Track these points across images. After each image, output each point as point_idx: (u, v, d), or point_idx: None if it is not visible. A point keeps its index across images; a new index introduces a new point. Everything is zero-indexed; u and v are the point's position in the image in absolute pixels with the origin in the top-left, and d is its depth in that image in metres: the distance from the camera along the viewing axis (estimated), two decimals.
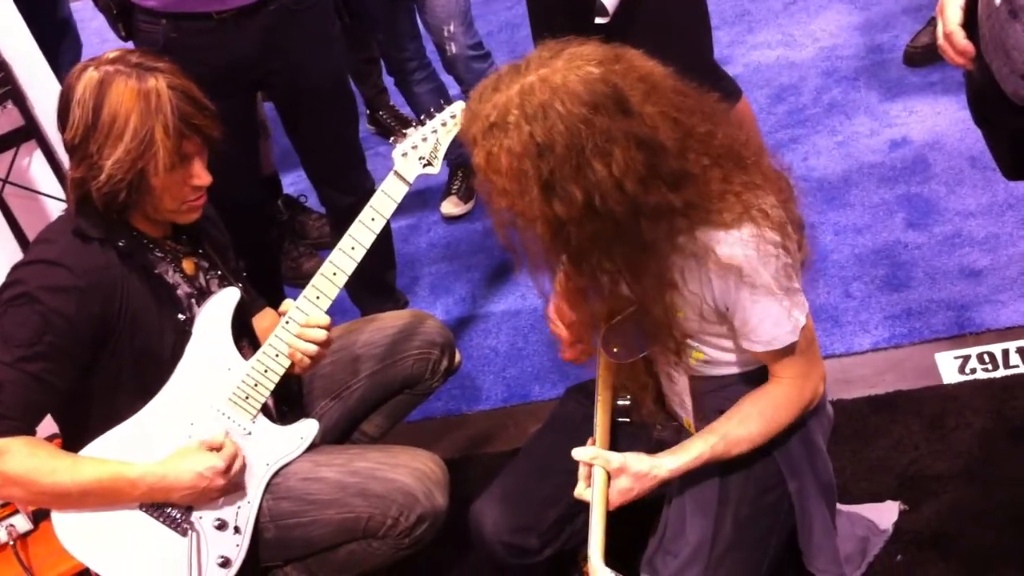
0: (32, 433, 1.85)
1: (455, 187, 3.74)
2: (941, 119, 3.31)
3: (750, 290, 1.62)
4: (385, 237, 2.99)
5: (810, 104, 3.60)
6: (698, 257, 1.60)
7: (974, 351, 2.56)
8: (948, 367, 2.56)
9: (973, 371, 2.52)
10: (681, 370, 1.82)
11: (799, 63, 3.84)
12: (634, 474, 1.72)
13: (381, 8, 3.37)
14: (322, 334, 2.01)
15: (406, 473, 2.01)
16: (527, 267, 1.65)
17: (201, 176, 1.95)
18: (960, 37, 1.66)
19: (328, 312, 2.05)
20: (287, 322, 2.01)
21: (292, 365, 2.02)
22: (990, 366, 2.51)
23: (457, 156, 3.73)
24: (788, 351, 1.69)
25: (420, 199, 3.78)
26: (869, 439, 2.43)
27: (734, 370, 1.79)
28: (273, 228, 3.36)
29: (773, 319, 1.65)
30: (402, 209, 2.82)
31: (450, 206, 3.72)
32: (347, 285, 2.06)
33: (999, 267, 2.76)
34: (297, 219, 3.67)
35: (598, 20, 2.36)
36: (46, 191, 2.48)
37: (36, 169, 2.47)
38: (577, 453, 1.77)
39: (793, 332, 1.67)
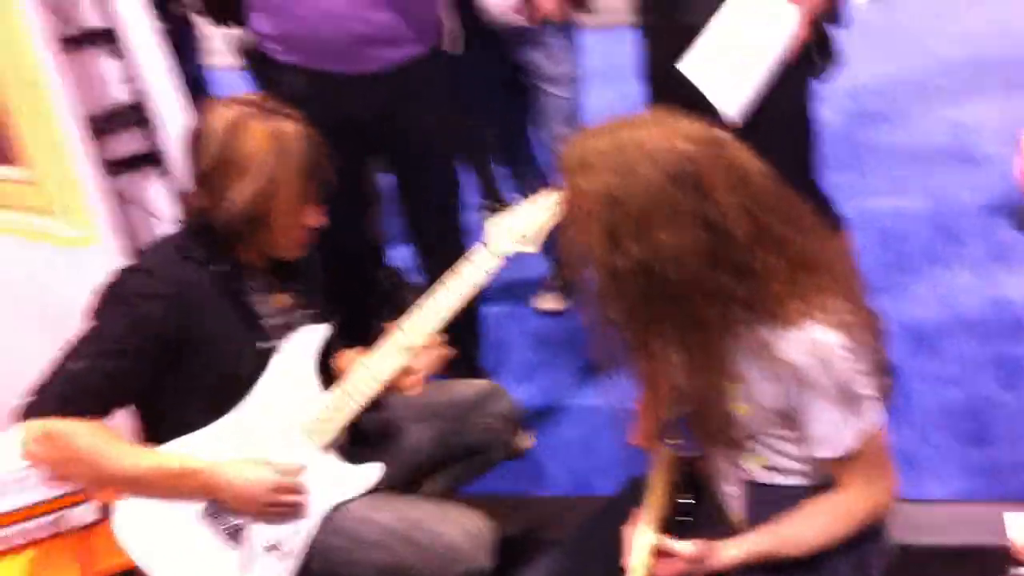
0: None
1: (554, 282, 3.82)
2: None
3: (809, 392, 1.63)
4: (473, 313, 3.07)
5: (915, 254, 3.61)
6: (757, 352, 1.64)
7: None
8: (1018, 528, 2.50)
9: None
10: (739, 473, 1.83)
11: (908, 213, 3.86)
12: (688, 556, 1.72)
13: (496, 100, 3.54)
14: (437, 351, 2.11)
15: (455, 529, 2.05)
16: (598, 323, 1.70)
17: (316, 217, 2.07)
18: None
19: None
20: (364, 366, 2.09)
21: (367, 405, 2.09)
22: None
23: None
24: (851, 458, 1.69)
25: (517, 289, 3.85)
26: None
27: (798, 481, 1.78)
28: (370, 295, 3.47)
29: (833, 423, 1.66)
30: (498, 296, 2.88)
31: (547, 301, 3.79)
32: None
33: None
34: (396, 291, 3.78)
35: None
36: (161, 214, 2.62)
37: (153, 193, 2.62)
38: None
39: (854, 438, 1.67)
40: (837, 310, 1.63)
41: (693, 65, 2.43)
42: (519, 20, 3.27)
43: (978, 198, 3.85)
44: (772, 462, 1.78)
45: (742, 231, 1.58)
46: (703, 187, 1.56)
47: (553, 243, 3.83)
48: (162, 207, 2.61)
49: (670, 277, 1.56)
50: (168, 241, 2.09)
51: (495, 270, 2.13)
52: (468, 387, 2.42)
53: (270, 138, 1.98)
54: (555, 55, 3.37)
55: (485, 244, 2.12)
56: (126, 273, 2.03)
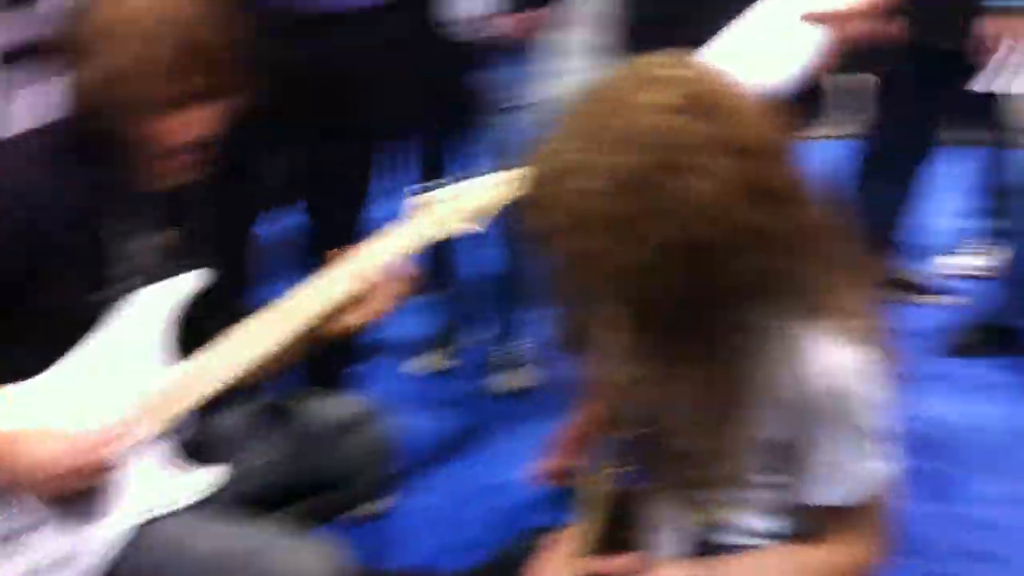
0: None
1: (436, 341, 3.47)
2: None
3: (833, 422, 1.29)
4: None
5: None
6: (782, 361, 1.28)
7: None
8: None
9: None
10: (682, 522, 1.43)
11: None
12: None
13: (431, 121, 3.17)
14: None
15: (293, 570, 1.58)
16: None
17: (193, 127, 1.62)
18: None
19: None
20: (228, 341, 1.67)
21: (220, 393, 1.66)
22: None
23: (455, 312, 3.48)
24: (847, 509, 1.35)
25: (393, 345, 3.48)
26: None
27: (755, 543, 1.41)
28: None
29: (848, 465, 1.32)
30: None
31: (424, 362, 3.45)
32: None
33: None
34: None
35: None
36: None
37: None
38: None
39: (864, 487, 1.33)
40: (855, 312, 1.30)
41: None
42: (494, 32, 2.80)
43: None
44: (733, 515, 1.39)
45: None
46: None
47: (455, 298, 3.44)
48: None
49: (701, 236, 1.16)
50: (33, 136, 1.66)
51: (429, 243, 1.72)
52: (336, 405, 1.98)
53: (126, 12, 1.56)
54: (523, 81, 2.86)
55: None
56: None
